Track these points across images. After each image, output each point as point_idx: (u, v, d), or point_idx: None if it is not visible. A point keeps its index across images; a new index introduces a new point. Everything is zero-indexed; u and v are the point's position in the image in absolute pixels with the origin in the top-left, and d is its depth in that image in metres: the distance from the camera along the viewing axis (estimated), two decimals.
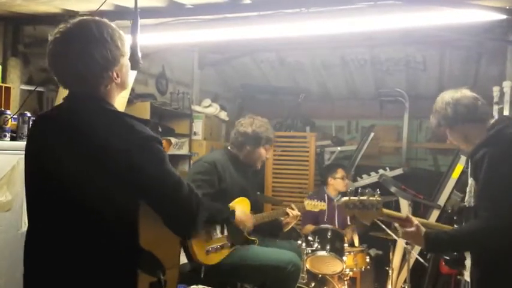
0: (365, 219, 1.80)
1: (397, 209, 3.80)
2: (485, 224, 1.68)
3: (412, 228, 1.76)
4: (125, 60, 1.42)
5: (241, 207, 2.73)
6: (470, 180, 1.83)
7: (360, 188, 1.84)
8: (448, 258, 2.04)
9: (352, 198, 1.78)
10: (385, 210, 1.78)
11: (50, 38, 1.37)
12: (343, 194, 4.22)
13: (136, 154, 1.27)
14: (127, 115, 1.37)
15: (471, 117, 1.87)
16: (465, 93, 1.92)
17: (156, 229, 1.32)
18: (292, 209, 2.97)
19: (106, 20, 1.40)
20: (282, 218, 2.98)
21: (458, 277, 2.10)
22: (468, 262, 1.93)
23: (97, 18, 1.39)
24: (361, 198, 1.76)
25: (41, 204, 1.38)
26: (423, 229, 1.78)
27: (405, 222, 1.80)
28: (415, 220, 1.81)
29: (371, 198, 1.76)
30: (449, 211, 2.12)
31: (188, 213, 1.33)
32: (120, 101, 2.07)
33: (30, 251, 1.40)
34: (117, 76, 1.39)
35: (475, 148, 1.83)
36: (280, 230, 3.02)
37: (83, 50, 1.32)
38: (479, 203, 1.74)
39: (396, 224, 1.82)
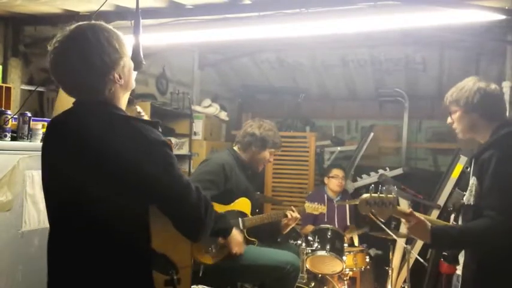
0: (381, 215, 1.86)
1: None
2: (493, 222, 1.68)
3: (419, 222, 1.79)
4: (126, 61, 1.41)
5: (238, 233, 2.64)
6: (473, 179, 1.84)
7: (380, 186, 1.91)
8: (446, 254, 2.06)
9: (373, 195, 1.84)
10: (399, 208, 1.85)
11: (49, 48, 1.38)
12: (344, 194, 4.22)
13: (143, 160, 1.28)
14: (134, 119, 1.38)
15: (490, 112, 1.88)
16: (496, 88, 1.92)
17: (167, 231, 1.35)
18: (293, 211, 2.97)
19: (102, 23, 1.40)
20: (283, 220, 2.97)
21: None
22: (461, 257, 1.94)
23: (93, 22, 1.40)
24: (381, 195, 1.83)
25: (56, 210, 1.40)
26: (429, 224, 1.80)
27: (409, 217, 1.83)
28: (419, 215, 1.85)
29: (388, 196, 1.84)
30: (451, 208, 2.13)
31: (196, 218, 1.35)
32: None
33: (51, 256, 1.42)
34: (120, 78, 1.39)
35: (482, 148, 1.83)
36: (279, 232, 3.02)
37: (80, 58, 1.33)
38: (486, 202, 1.75)
39: (403, 220, 1.87)
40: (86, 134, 1.32)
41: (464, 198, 1.88)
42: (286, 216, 2.95)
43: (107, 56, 1.34)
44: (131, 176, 1.28)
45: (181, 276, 1.41)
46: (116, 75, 1.38)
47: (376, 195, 1.83)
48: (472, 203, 1.81)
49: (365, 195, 1.86)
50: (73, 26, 1.39)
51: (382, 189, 1.85)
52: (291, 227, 3.00)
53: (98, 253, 1.32)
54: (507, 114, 1.96)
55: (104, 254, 1.32)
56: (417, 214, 1.85)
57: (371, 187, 1.89)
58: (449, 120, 1.98)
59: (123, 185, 1.29)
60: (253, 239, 2.82)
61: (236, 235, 2.63)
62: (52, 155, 1.40)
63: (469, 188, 1.86)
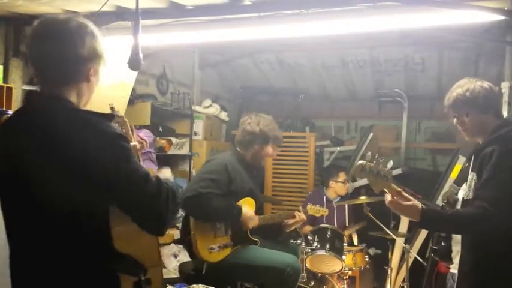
0: (374, 186, 1.79)
1: None
2: (483, 212, 1.69)
3: (409, 202, 1.78)
4: (100, 63, 1.39)
5: (247, 206, 2.75)
6: (472, 175, 1.85)
7: (376, 155, 1.83)
8: (436, 248, 2.06)
9: (368, 163, 1.77)
10: (393, 185, 1.79)
11: (29, 30, 1.36)
12: (343, 197, 4.23)
13: (98, 154, 1.24)
14: (88, 112, 1.32)
15: (499, 110, 1.91)
16: (490, 84, 1.93)
17: (130, 230, 1.30)
18: (300, 211, 2.99)
19: (85, 20, 1.38)
20: (286, 220, 2.99)
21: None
22: (454, 253, 1.95)
23: (76, 17, 1.38)
24: (377, 165, 1.76)
25: (13, 209, 1.35)
26: (419, 203, 1.79)
27: (399, 196, 1.81)
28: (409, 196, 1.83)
29: (384, 168, 1.77)
30: (445, 202, 2.13)
31: (156, 210, 1.28)
32: (121, 101, 2.08)
33: (11, 260, 1.36)
34: (93, 74, 1.37)
35: (483, 145, 1.84)
36: (280, 231, 3.03)
37: (59, 42, 1.31)
38: (479, 193, 1.76)
39: (388, 196, 1.82)
40: (42, 130, 1.27)
41: (463, 194, 1.89)
42: (293, 217, 2.95)
43: (85, 45, 1.32)
44: (87, 170, 1.24)
45: (151, 276, 1.36)
46: (92, 70, 1.36)
47: (371, 163, 1.76)
48: (471, 198, 1.81)
49: (362, 161, 1.78)
50: (52, 17, 1.38)
51: (379, 160, 1.77)
52: (294, 227, 3.01)
53: (57, 254, 1.27)
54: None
55: (63, 254, 1.27)
56: (406, 194, 1.82)
57: (367, 154, 1.82)
58: (455, 121, 1.97)
59: (80, 180, 1.24)
60: (255, 239, 2.83)
61: (246, 212, 2.68)
62: (8, 154, 1.33)
63: (468, 183, 1.86)
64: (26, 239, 1.32)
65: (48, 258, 1.29)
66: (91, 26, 1.37)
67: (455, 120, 1.97)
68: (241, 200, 2.77)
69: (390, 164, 1.77)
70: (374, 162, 1.77)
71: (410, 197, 1.80)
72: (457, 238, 1.96)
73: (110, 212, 1.29)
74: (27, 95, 1.40)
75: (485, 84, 1.91)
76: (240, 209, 2.68)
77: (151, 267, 1.37)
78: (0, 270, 1.42)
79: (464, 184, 1.90)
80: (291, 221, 2.97)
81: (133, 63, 1.51)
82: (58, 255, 1.28)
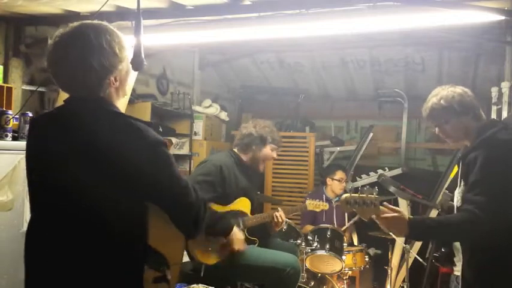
0: (363, 215, 1.84)
1: None
2: (470, 216, 1.69)
3: (394, 214, 1.78)
4: (124, 65, 1.41)
5: (238, 231, 2.60)
6: (462, 181, 1.86)
7: (359, 187, 1.87)
8: (437, 255, 2.07)
9: (352, 194, 1.84)
10: (382, 208, 1.82)
11: (50, 41, 1.38)
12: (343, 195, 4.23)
13: (144, 159, 1.30)
14: (131, 117, 1.37)
15: (478, 112, 1.92)
16: (463, 88, 1.96)
17: (163, 228, 1.38)
18: (278, 212, 2.92)
19: (105, 25, 1.40)
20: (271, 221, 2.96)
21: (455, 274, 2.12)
22: (457, 259, 1.95)
23: (96, 23, 1.39)
24: (361, 195, 1.82)
25: (45, 204, 1.38)
26: (406, 215, 1.79)
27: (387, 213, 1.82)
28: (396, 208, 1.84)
29: (369, 195, 1.81)
30: (439, 210, 2.14)
31: (194, 217, 1.39)
32: (120, 101, 2.06)
33: (33, 251, 1.40)
34: (115, 80, 1.39)
35: (468, 150, 1.86)
36: (267, 233, 2.99)
37: (80, 58, 1.33)
38: (467, 196, 1.76)
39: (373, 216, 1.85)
40: (87, 130, 1.32)
41: (455, 201, 1.90)
42: (273, 218, 2.88)
43: (106, 60, 1.34)
44: (131, 174, 1.29)
45: (171, 273, 1.44)
46: (112, 79, 1.38)
47: (356, 195, 1.83)
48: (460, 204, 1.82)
49: (345, 195, 1.86)
50: (76, 24, 1.39)
51: (363, 189, 1.84)
52: (278, 228, 2.94)
53: (90, 247, 1.30)
54: (487, 110, 1.96)
55: (97, 248, 1.30)
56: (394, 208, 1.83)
57: (350, 188, 1.87)
58: (437, 131, 2.01)
59: (122, 182, 1.29)
60: (254, 239, 2.82)
61: (236, 233, 2.62)
62: (46, 148, 1.37)
63: (458, 190, 1.88)
64: (57, 231, 1.35)
65: (77, 248, 1.32)
66: (108, 33, 1.37)
67: (437, 129, 2.00)
68: (236, 200, 2.76)
69: (375, 191, 1.81)
70: (358, 193, 1.82)
71: (397, 208, 1.81)
72: (458, 244, 1.96)
73: (149, 209, 1.35)
74: (69, 98, 1.42)
75: (458, 89, 1.94)
76: (231, 227, 2.55)
77: (172, 265, 1.45)
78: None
79: (457, 190, 1.91)
80: (272, 222, 2.90)
81: (136, 64, 1.51)
82: (89, 247, 1.31)
